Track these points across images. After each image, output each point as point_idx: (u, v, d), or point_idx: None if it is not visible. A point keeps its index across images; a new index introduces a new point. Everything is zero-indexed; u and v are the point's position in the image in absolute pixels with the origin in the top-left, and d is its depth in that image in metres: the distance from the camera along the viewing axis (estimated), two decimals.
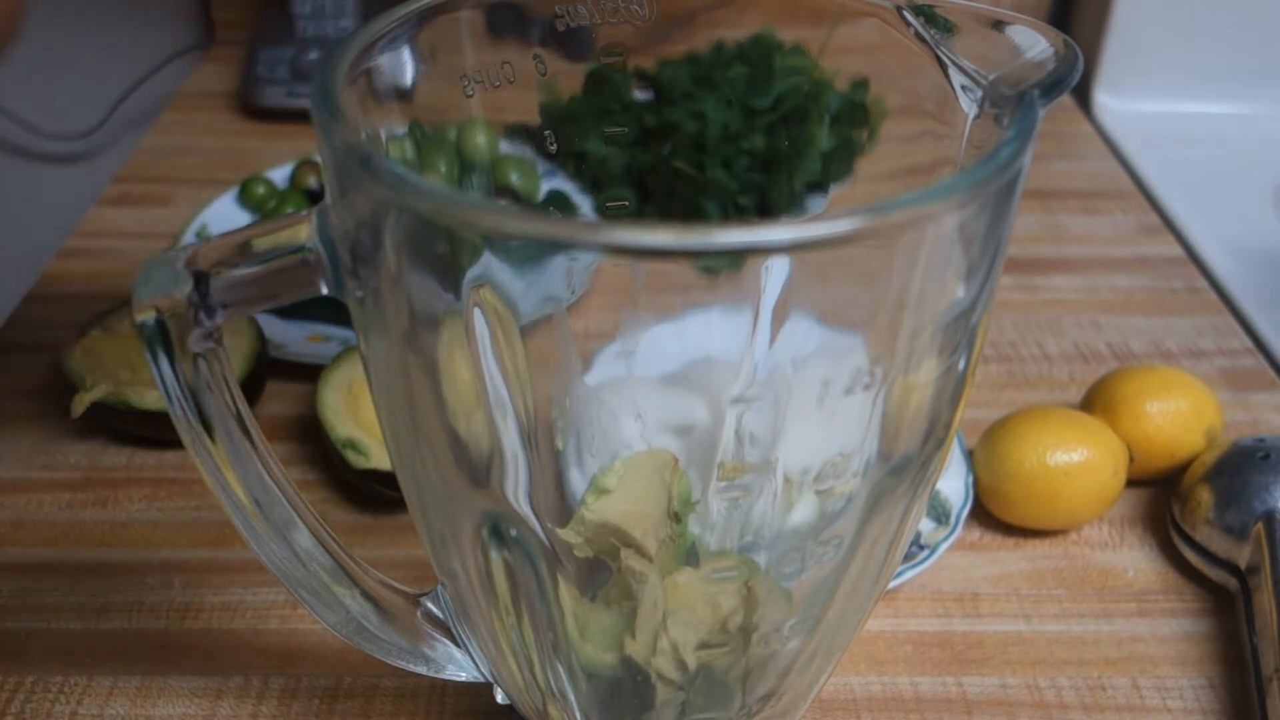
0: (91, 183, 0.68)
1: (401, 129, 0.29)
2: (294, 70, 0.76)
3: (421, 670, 0.32)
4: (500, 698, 0.33)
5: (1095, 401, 0.48)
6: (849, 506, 0.26)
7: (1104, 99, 0.80)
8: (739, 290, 0.27)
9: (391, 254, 0.22)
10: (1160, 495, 0.47)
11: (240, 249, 0.24)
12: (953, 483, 0.45)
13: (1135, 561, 0.44)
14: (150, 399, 0.46)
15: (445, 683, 0.38)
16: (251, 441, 0.27)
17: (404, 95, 0.28)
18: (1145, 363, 0.55)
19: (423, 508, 0.28)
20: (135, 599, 0.42)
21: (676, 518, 0.30)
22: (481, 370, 0.24)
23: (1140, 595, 0.43)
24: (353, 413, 0.46)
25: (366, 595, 0.31)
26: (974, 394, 0.46)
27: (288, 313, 0.54)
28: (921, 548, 0.42)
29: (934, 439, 0.26)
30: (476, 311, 0.23)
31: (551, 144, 0.33)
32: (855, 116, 0.32)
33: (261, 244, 0.24)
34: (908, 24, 0.28)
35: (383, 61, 0.27)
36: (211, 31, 0.88)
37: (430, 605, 0.32)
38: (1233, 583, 0.41)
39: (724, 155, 0.42)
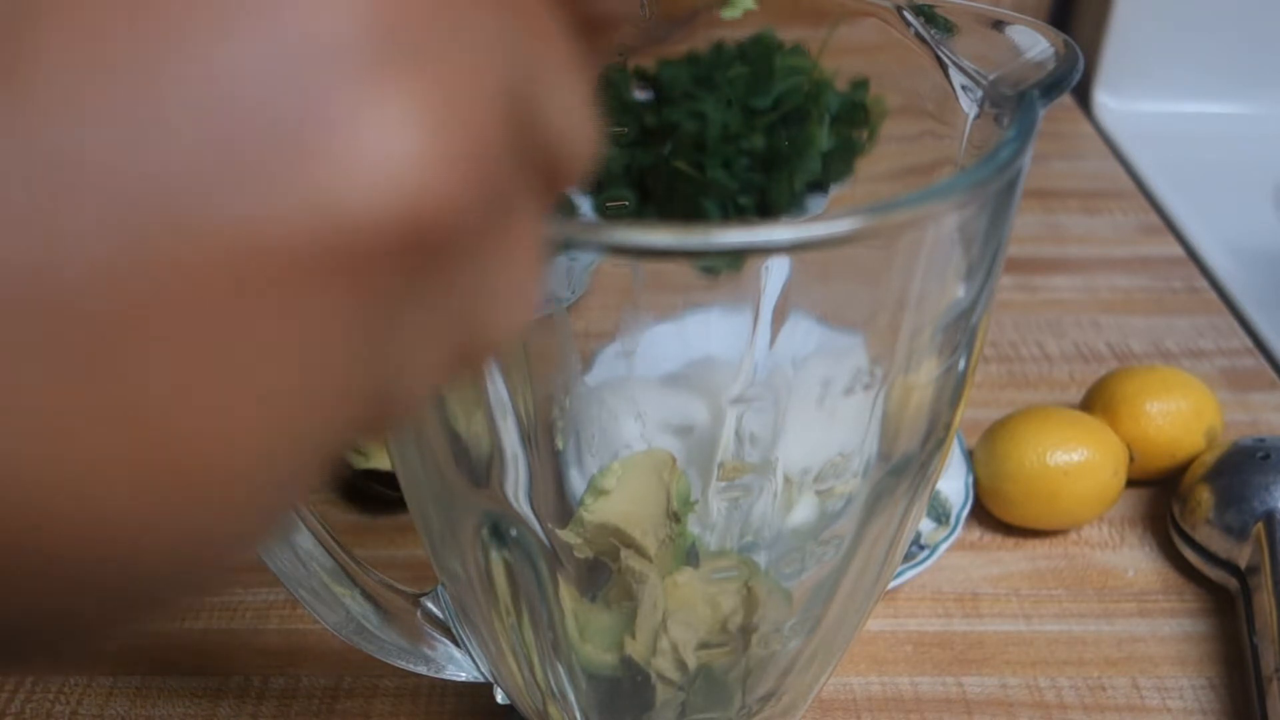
0: None
1: None
2: None
3: (421, 670, 0.32)
4: (500, 698, 0.33)
5: (1095, 401, 0.47)
6: (849, 506, 0.26)
7: (1104, 99, 0.80)
8: (739, 290, 0.27)
9: None
10: (1160, 495, 0.47)
11: None
12: (953, 483, 0.45)
13: (1135, 561, 0.44)
14: None
15: (445, 683, 0.38)
16: None
17: None
18: (1145, 363, 0.55)
19: (423, 508, 0.28)
20: None
21: (676, 518, 0.30)
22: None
23: (1140, 595, 0.43)
24: None
25: (366, 595, 0.31)
26: (974, 394, 0.46)
27: None
28: (921, 548, 0.42)
29: (934, 439, 0.26)
30: None
31: None
32: (855, 116, 0.32)
33: None
34: (908, 24, 0.28)
35: None
36: None
37: (430, 605, 0.32)
38: (1233, 583, 0.41)
39: (724, 155, 0.42)
